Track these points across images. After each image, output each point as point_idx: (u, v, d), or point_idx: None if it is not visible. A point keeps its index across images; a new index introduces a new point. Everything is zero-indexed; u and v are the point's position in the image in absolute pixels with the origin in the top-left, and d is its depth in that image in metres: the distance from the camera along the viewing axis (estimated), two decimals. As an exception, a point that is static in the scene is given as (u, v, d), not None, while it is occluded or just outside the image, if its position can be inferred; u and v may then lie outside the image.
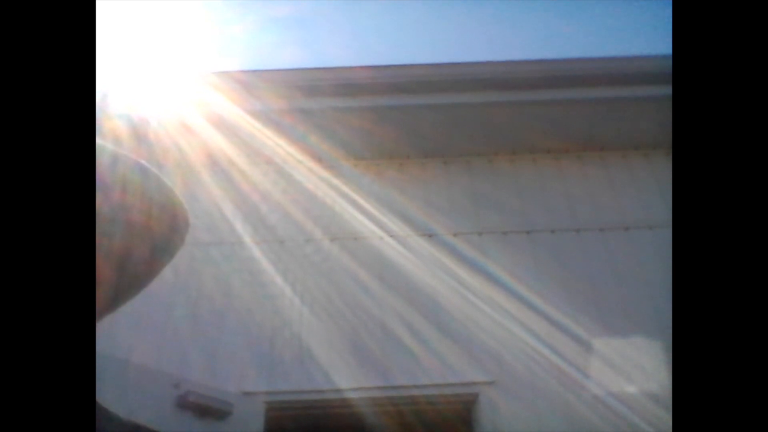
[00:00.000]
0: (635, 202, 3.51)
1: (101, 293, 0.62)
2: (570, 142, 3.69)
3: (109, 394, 0.72)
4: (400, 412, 2.97)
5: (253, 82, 3.34)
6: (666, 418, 2.66)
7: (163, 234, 0.75)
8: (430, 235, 3.37)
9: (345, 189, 3.50)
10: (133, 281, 0.71)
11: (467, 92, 3.49)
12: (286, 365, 2.91)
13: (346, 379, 2.87)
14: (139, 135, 3.09)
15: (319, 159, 3.59)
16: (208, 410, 2.46)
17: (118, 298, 0.71)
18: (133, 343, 2.84)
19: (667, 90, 3.17)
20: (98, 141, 0.65)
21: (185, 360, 2.87)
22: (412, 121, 3.51)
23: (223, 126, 3.35)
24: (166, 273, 0.83)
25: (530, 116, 3.54)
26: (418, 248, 3.31)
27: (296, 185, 3.55)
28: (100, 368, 0.75)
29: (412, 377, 2.91)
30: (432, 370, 2.93)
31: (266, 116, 3.36)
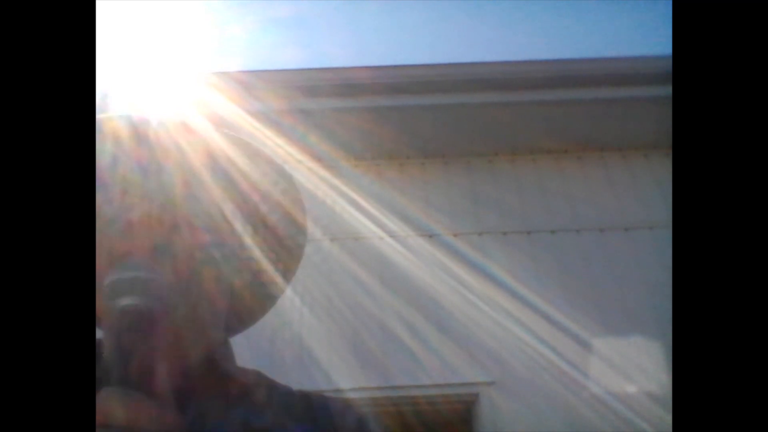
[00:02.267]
0: (635, 203, 3.51)
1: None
2: (570, 143, 3.68)
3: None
4: (400, 413, 2.97)
5: (253, 83, 3.34)
6: (666, 418, 2.66)
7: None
8: (430, 236, 3.37)
9: (345, 189, 3.50)
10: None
11: (467, 93, 3.49)
12: (287, 365, 2.91)
13: (346, 380, 2.87)
14: (139, 135, 3.07)
15: (319, 159, 3.58)
16: (208, 410, 2.45)
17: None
18: (133, 343, 2.84)
19: (667, 90, 3.16)
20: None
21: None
22: (412, 121, 3.51)
23: (224, 126, 3.35)
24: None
25: (530, 116, 3.54)
26: (419, 248, 3.31)
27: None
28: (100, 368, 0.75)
29: (412, 377, 2.91)
30: (432, 370, 2.93)
31: (266, 116, 3.36)
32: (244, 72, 3.41)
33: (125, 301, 0.54)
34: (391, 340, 2.98)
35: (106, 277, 0.57)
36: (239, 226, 0.74)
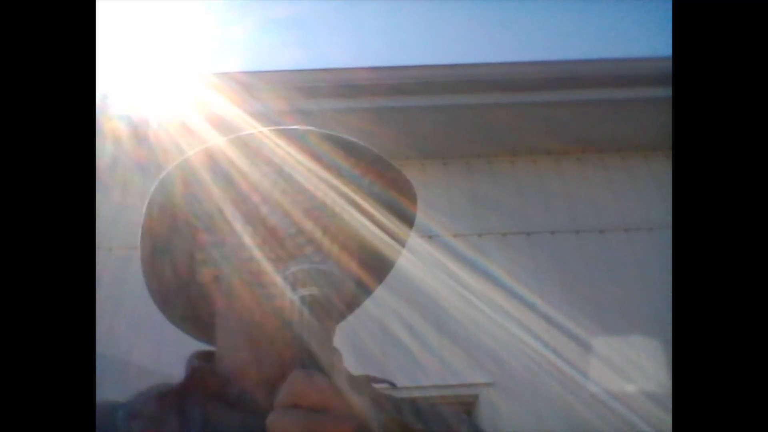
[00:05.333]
0: (635, 204, 3.51)
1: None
2: (570, 144, 3.68)
3: (109, 395, 0.72)
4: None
5: (253, 84, 3.33)
6: (666, 418, 2.66)
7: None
8: (429, 237, 3.36)
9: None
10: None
11: (467, 93, 3.49)
12: (286, 366, 2.90)
13: (345, 381, 2.86)
14: (139, 136, 3.09)
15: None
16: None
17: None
18: (133, 343, 2.84)
19: (667, 91, 3.17)
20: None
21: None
22: (411, 122, 3.51)
23: (224, 127, 3.34)
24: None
25: (530, 117, 3.54)
26: (418, 249, 3.31)
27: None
28: (100, 368, 0.75)
29: (411, 378, 2.90)
30: (432, 371, 2.93)
31: (266, 117, 3.35)
32: (244, 73, 3.40)
33: (307, 291, 0.60)
34: (391, 341, 2.98)
35: (283, 268, 0.64)
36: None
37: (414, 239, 3.64)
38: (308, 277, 0.61)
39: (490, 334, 3.02)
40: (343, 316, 0.82)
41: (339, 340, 0.91)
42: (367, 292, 0.91)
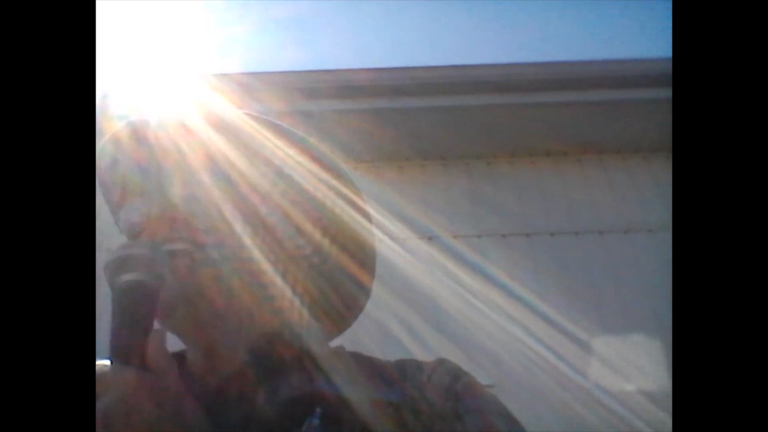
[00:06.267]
0: (635, 205, 3.51)
1: None
2: (569, 145, 3.69)
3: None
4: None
5: (253, 84, 3.34)
6: (666, 420, 2.66)
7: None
8: (429, 238, 3.36)
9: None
10: None
11: (467, 95, 3.49)
12: (285, 367, 2.90)
13: (345, 382, 2.85)
14: (139, 136, 3.07)
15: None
16: (207, 412, 2.44)
17: None
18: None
19: (667, 93, 3.17)
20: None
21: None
22: (411, 123, 3.51)
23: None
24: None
25: (529, 119, 3.54)
26: (418, 250, 3.31)
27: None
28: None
29: (411, 379, 2.90)
30: (431, 372, 2.92)
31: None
32: (244, 74, 3.40)
33: (120, 279, 0.58)
34: (390, 342, 2.97)
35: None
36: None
37: (414, 240, 3.64)
38: (124, 264, 0.58)
39: (490, 335, 3.01)
40: (343, 320, 0.82)
41: (338, 341, 0.91)
42: (361, 287, 0.88)
